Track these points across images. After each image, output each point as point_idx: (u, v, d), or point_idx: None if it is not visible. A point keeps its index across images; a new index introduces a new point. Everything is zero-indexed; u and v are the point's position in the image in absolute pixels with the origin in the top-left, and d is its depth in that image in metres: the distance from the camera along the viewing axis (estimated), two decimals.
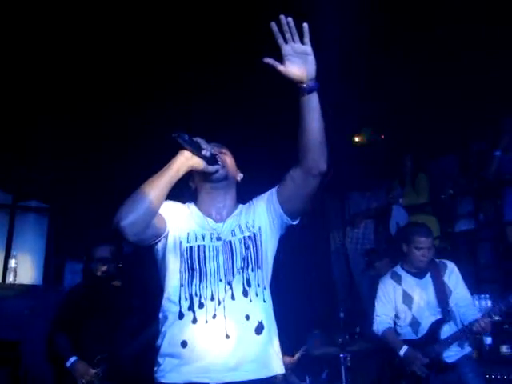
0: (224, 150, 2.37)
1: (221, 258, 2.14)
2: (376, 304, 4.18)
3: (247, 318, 2.08)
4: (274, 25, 1.99)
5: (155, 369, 2.12)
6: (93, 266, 4.18)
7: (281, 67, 2.03)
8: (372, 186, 7.11)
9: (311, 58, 2.05)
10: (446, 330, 3.91)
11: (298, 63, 2.04)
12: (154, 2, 4.35)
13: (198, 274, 2.11)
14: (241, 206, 2.37)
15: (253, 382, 2.04)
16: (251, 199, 2.40)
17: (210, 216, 2.28)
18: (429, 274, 4.07)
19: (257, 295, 2.14)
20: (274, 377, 2.12)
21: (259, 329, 2.10)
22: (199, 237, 2.19)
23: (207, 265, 2.13)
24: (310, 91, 2.06)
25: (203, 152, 2.15)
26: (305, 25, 2.01)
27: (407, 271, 4.14)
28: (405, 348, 3.90)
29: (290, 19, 2.00)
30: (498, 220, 5.81)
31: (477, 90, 5.30)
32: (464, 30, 4.62)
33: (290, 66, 2.04)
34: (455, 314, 3.96)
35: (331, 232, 7.60)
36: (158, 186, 2.07)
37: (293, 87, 2.09)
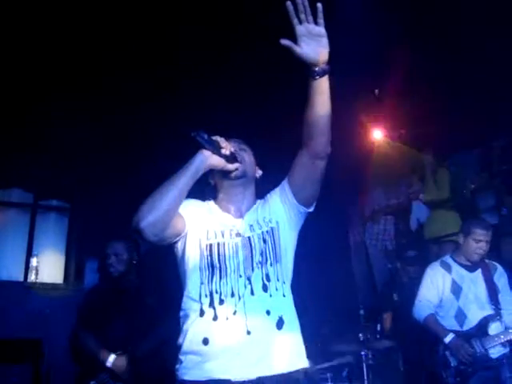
0: (243, 147, 2.36)
1: (240, 254, 2.14)
2: (420, 289, 4.21)
3: (268, 313, 2.07)
4: (289, 4, 1.96)
5: (177, 366, 2.11)
6: (106, 262, 4.18)
7: (297, 49, 2.00)
8: (392, 182, 7.05)
9: (325, 40, 2.02)
10: (495, 328, 3.94)
11: (312, 45, 2.01)
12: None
13: (218, 271, 2.11)
14: (258, 201, 2.37)
15: (275, 377, 2.03)
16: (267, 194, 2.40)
17: (228, 212, 2.28)
18: (480, 270, 4.11)
19: (277, 290, 2.13)
20: (297, 371, 2.10)
21: (280, 323, 2.09)
22: (219, 234, 2.19)
23: (227, 261, 2.12)
24: (322, 74, 2.05)
25: (222, 151, 2.16)
26: (319, 5, 1.98)
27: (458, 262, 4.17)
28: (451, 335, 3.92)
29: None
30: None
31: (499, 84, 5.23)
32: (488, 24, 4.56)
33: (304, 47, 2.01)
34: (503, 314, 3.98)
35: (350, 228, 7.56)
36: (177, 186, 2.07)
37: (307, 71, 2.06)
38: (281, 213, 2.26)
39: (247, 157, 2.32)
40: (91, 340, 3.97)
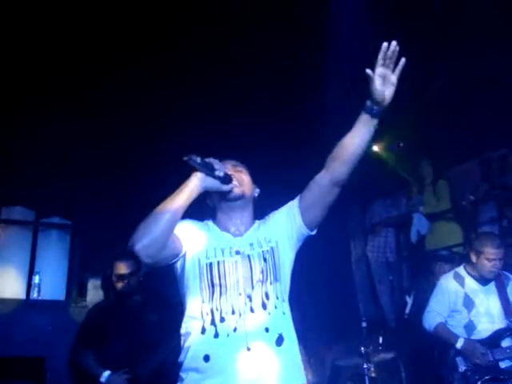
0: (239, 168, 2.39)
1: (240, 271, 2.17)
2: (431, 300, 4.26)
3: (266, 330, 2.11)
4: (385, 45, 2.14)
5: None
6: (113, 280, 4.21)
7: (376, 82, 2.15)
8: (392, 194, 7.07)
9: (393, 90, 2.18)
10: (507, 341, 3.98)
11: (382, 87, 2.17)
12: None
13: (218, 289, 2.14)
14: (257, 221, 2.39)
15: None
16: (267, 214, 2.42)
17: (228, 231, 2.30)
18: (493, 283, 4.14)
19: (276, 308, 2.16)
20: None
21: (279, 341, 2.12)
22: (218, 252, 2.21)
23: (227, 279, 2.15)
24: (377, 115, 2.19)
25: (216, 173, 2.17)
26: (403, 59, 2.16)
27: (471, 275, 4.19)
28: (462, 340, 3.97)
29: (396, 46, 2.14)
30: None
31: (498, 94, 5.26)
32: (487, 34, 4.60)
33: (379, 85, 2.16)
34: None
35: (351, 241, 7.56)
36: (171, 210, 2.09)
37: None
38: (282, 233, 2.30)
39: (244, 177, 2.35)
40: (89, 357, 3.99)
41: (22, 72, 4.91)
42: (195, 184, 2.16)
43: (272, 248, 2.25)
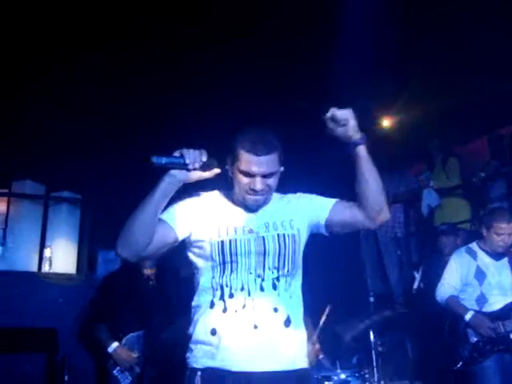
0: (272, 173, 2.18)
1: (252, 251, 2.13)
2: (444, 273, 4.32)
3: (275, 310, 2.11)
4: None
5: (188, 354, 2.17)
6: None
7: (330, 128, 2.14)
8: (400, 170, 7.05)
9: (352, 122, 2.12)
10: None
11: (341, 128, 2.13)
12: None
13: (229, 266, 2.12)
14: (275, 195, 2.30)
15: (280, 373, 2.08)
16: (290, 192, 2.35)
17: (241, 206, 2.22)
18: (506, 259, 4.20)
19: (285, 290, 2.16)
20: (302, 370, 2.15)
21: (287, 322, 2.13)
22: (231, 230, 2.16)
23: (238, 258, 2.12)
24: (355, 146, 2.14)
25: (190, 166, 2.03)
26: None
27: (484, 250, 4.25)
28: (472, 313, 4.05)
29: (329, 115, 2.12)
30: None
31: (507, 71, 5.22)
32: (491, 12, 4.55)
33: (333, 129, 2.14)
34: None
35: None
36: (147, 212, 2.04)
37: None
38: (303, 222, 2.24)
39: (272, 184, 2.18)
40: (102, 327, 4.06)
41: (33, 45, 4.90)
42: (167, 182, 2.06)
43: (293, 235, 2.19)
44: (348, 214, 2.21)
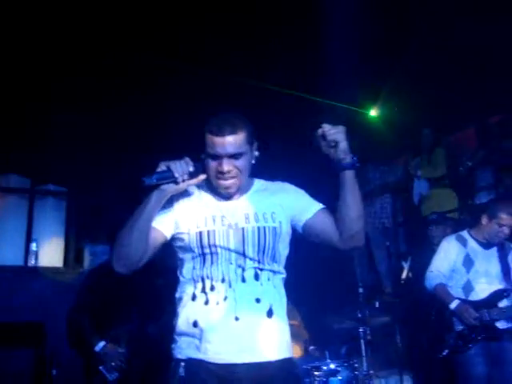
0: (238, 153, 2.14)
1: (231, 242, 2.10)
2: (433, 260, 4.33)
3: (257, 301, 2.08)
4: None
5: (172, 345, 2.16)
6: None
7: (318, 145, 2.14)
8: (388, 160, 7.06)
9: (343, 145, 2.11)
10: (504, 302, 4.04)
11: (331, 149, 2.13)
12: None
13: (209, 257, 2.10)
14: (257, 182, 2.28)
15: (263, 364, 2.06)
16: (272, 179, 2.31)
17: (220, 196, 2.19)
18: (495, 249, 4.21)
19: (268, 279, 2.13)
20: (286, 360, 2.12)
21: (270, 312, 2.10)
22: (209, 220, 2.14)
23: (218, 249, 2.10)
24: (342, 169, 2.12)
25: (179, 179, 2.04)
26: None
27: (474, 238, 4.26)
28: (457, 302, 4.06)
29: (319, 133, 2.12)
30: None
31: (494, 60, 5.23)
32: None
33: (323, 148, 2.14)
34: None
35: None
36: (141, 226, 2.06)
37: None
38: (286, 216, 2.19)
39: (240, 167, 2.14)
40: (87, 324, 4.03)
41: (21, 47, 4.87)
42: (158, 196, 2.07)
43: (274, 228, 2.15)
44: (326, 228, 2.18)
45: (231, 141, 2.09)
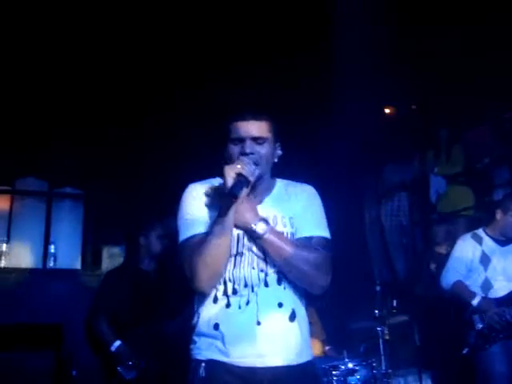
0: (262, 138, 2.15)
1: (254, 246, 2.09)
2: (450, 258, 4.31)
3: (280, 305, 2.08)
4: None
5: (191, 346, 2.15)
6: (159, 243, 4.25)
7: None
8: (405, 158, 7.02)
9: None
10: None
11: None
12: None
13: (232, 260, 2.09)
14: (278, 183, 2.27)
15: (284, 368, 2.05)
16: (291, 179, 2.30)
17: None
18: (511, 245, 4.16)
19: (290, 283, 2.12)
20: (307, 363, 2.12)
21: (293, 316, 2.10)
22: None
23: (242, 252, 2.09)
24: (256, 237, 2.07)
25: (252, 182, 2.04)
26: None
27: (490, 236, 4.23)
28: (479, 297, 4.04)
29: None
30: None
31: (510, 57, 5.19)
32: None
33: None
34: None
35: (365, 205, 7.55)
36: (225, 244, 2.04)
37: None
38: (298, 221, 2.18)
39: (264, 153, 2.14)
40: (103, 324, 4.05)
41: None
42: (231, 206, 2.02)
43: (292, 234, 2.14)
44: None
45: (254, 124, 2.13)
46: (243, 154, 2.10)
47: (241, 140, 2.12)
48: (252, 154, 2.10)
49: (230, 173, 1.99)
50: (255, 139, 2.13)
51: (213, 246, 2.00)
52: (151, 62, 5.22)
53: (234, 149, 2.13)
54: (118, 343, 3.98)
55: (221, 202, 2.04)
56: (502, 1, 4.61)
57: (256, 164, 2.09)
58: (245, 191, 2.02)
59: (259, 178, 2.13)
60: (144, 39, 4.97)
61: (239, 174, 1.99)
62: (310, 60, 5.29)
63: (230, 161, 2.11)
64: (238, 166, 2.01)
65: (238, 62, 5.19)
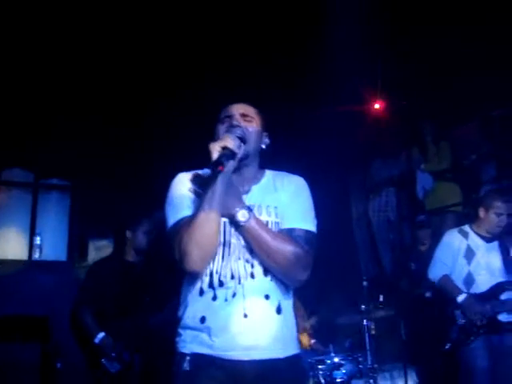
0: (249, 117, 2.19)
1: (240, 236, 2.06)
2: (436, 252, 4.35)
3: (267, 297, 2.06)
4: None
5: (177, 339, 2.13)
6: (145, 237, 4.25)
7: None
8: (393, 154, 7.04)
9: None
10: (507, 295, 4.05)
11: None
12: None
13: (221, 251, 2.06)
14: (267, 173, 2.25)
15: (270, 361, 2.03)
16: (279, 169, 2.28)
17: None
18: (497, 243, 4.22)
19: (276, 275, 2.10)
20: (294, 356, 2.11)
21: (279, 308, 2.08)
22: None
23: (228, 243, 2.07)
24: (236, 226, 2.05)
25: (239, 154, 2.03)
26: None
27: (476, 232, 4.28)
28: (464, 295, 4.06)
29: None
30: None
31: (498, 55, 5.21)
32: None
33: None
34: None
35: (353, 200, 7.57)
36: (215, 219, 2.00)
37: None
38: (283, 211, 2.15)
39: (252, 130, 2.15)
40: (87, 315, 4.05)
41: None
42: (223, 181, 2.00)
43: (277, 224, 2.11)
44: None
45: (243, 105, 2.21)
46: (231, 126, 2.12)
47: (229, 116, 2.16)
48: (239, 126, 2.12)
49: (216, 147, 1.98)
50: (243, 115, 2.17)
51: (202, 222, 1.97)
52: (136, 58, 5.18)
53: (222, 127, 2.16)
54: (101, 335, 3.98)
55: (208, 179, 2.03)
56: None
57: (243, 140, 2.08)
58: (232, 164, 2.00)
59: (246, 157, 2.12)
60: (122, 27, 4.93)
61: (224, 147, 1.98)
62: (298, 53, 5.28)
63: (216, 140, 2.09)
64: (223, 141, 2.01)
65: (226, 57, 5.18)
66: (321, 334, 5.07)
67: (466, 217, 5.51)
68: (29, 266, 5.75)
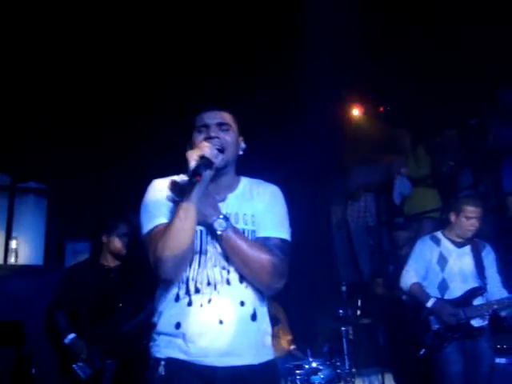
0: (226, 125, 2.17)
1: (217, 243, 2.07)
2: (409, 259, 4.37)
3: (242, 304, 2.06)
4: None
5: (151, 344, 2.12)
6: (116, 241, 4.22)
7: None
8: (372, 159, 7.09)
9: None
10: (479, 300, 4.10)
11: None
12: None
13: (197, 259, 2.06)
14: (243, 181, 2.25)
15: (245, 367, 2.03)
16: (255, 178, 2.28)
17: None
18: (468, 247, 4.24)
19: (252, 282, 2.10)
20: (268, 362, 2.11)
21: (254, 315, 2.08)
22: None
23: (204, 250, 2.07)
24: (216, 234, 2.05)
25: (216, 164, 2.03)
26: None
27: (448, 238, 4.31)
28: (433, 299, 4.10)
29: None
30: (497, 191, 5.89)
31: (475, 65, 5.30)
32: (463, 6, 4.60)
33: None
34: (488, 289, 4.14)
35: (332, 206, 7.59)
36: (192, 228, 2.00)
37: None
38: (259, 219, 2.16)
39: (229, 139, 2.15)
40: (62, 318, 4.02)
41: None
42: (200, 190, 2.00)
43: (253, 232, 2.12)
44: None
45: (218, 113, 2.17)
46: (208, 137, 2.11)
47: (206, 126, 2.14)
48: (217, 137, 2.12)
49: (193, 156, 1.99)
50: (220, 125, 2.16)
51: (177, 230, 1.97)
52: (113, 60, 5.16)
53: (199, 136, 2.14)
54: (71, 336, 3.95)
55: (185, 187, 2.02)
56: (475, 3, 4.68)
57: (221, 151, 2.09)
58: (209, 173, 2.00)
59: (225, 167, 2.13)
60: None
61: (202, 156, 1.98)
62: (277, 59, 5.29)
63: (194, 148, 2.10)
64: (201, 150, 2.01)
65: (204, 60, 5.18)
66: (300, 339, 5.06)
67: (444, 223, 5.57)
68: (4, 270, 5.66)
